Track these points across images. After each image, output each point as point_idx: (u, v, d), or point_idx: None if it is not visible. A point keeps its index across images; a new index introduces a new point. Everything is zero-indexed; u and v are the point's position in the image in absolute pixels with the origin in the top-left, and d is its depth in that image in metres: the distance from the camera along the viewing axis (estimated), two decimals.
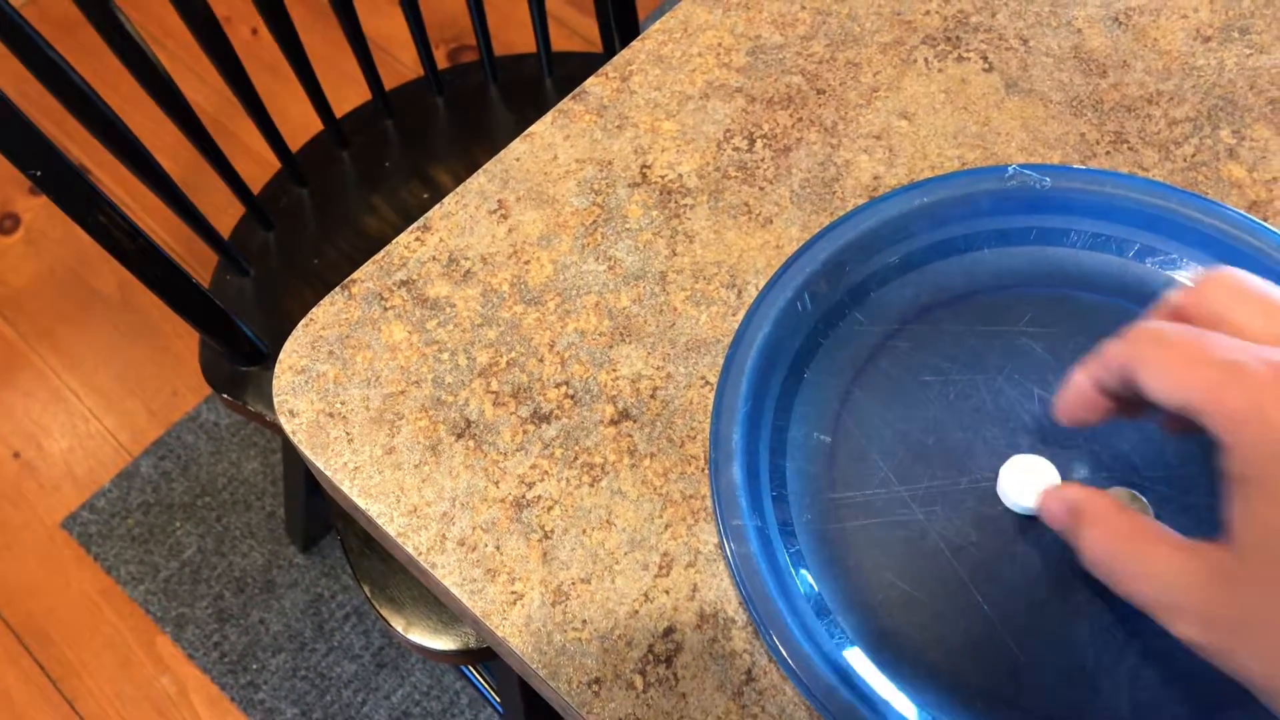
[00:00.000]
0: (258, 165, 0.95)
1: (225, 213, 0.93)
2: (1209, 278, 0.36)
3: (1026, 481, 0.42)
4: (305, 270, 0.89)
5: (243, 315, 0.86)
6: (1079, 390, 0.38)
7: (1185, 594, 0.33)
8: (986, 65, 0.54)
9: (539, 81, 0.95)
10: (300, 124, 0.94)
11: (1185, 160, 0.51)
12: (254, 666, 1.30)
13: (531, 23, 0.91)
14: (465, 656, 0.73)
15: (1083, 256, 0.48)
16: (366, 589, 0.75)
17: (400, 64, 1.61)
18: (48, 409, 1.45)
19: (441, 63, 1.60)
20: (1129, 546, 0.35)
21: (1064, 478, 0.43)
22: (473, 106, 0.96)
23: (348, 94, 0.98)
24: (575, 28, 1.70)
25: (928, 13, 0.55)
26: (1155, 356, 0.33)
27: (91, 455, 1.43)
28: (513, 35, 1.68)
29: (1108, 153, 0.51)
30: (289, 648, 1.31)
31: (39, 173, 0.70)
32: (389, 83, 0.97)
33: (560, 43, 1.67)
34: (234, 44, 0.82)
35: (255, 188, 0.92)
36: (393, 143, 0.96)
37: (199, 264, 0.91)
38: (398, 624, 0.73)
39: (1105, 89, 0.53)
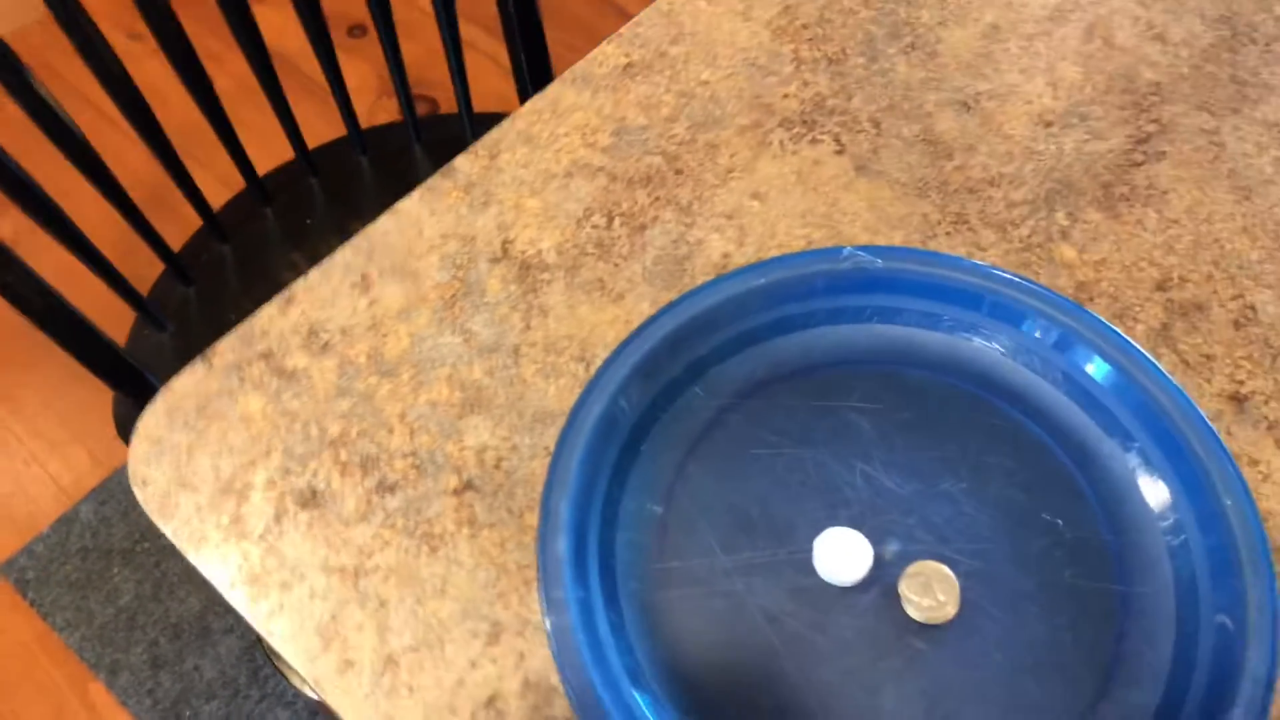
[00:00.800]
0: (186, 226, 0.97)
1: (150, 273, 0.95)
2: None
3: (839, 555, 0.43)
4: (224, 325, 0.91)
5: (160, 370, 0.88)
6: None
7: None
8: (839, 147, 0.56)
9: (462, 141, 0.98)
10: (226, 177, 0.96)
11: (1021, 241, 0.53)
12: (186, 714, 1.30)
13: (450, 79, 0.94)
14: None
15: (913, 334, 0.50)
16: (264, 644, 0.76)
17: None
18: None
19: (387, 113, 1.63)
20: None
21: (878, 550, 0.45)
22: (397, 164, 0.98)
23: (270, 152, 1.01)
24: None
25: (786, 96, 0.58)
26: None
27: (32, 500, 1.43)
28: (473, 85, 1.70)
29: (948, 233, 0.53)
30: (222, 694, 1.31)
31: None
32: (312, 141, 0.99)
33: (486, 83, 1.70)
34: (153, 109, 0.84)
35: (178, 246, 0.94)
36: (317, 200, 0.98)
37: (123, 321, 0.93)
38: (294, 678, 0.74)
39: (949, 171, 0.55)
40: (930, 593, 0.43)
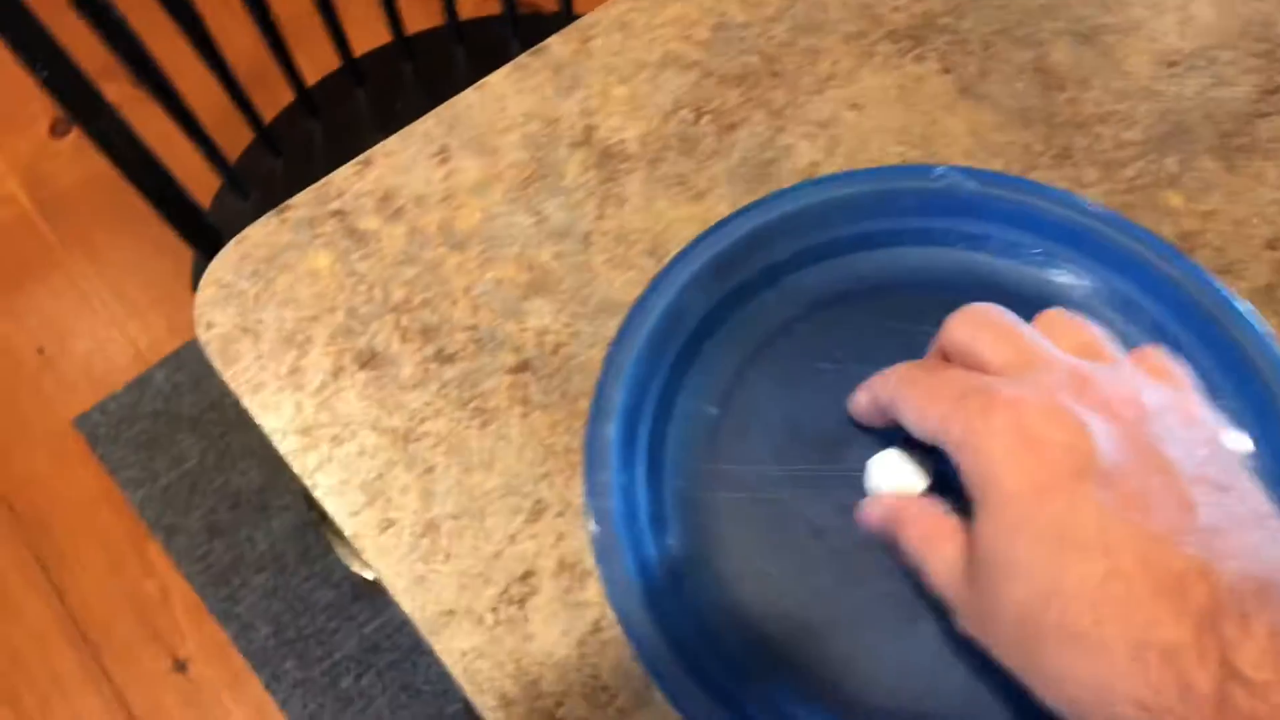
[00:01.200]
0: (280, 105, 0.97)
1: (241, 146, 0.96)
2: (958, 313, 0.39)
3: (892, 477, 0.42)
4: None
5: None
6: (860, 405, 0.42)
7: (949, 590, 0.35)
8: (944, 67, 0.54)
9: None
10: (321, 61, 0.96)
11: (1126, 182, 0.50)
12: (236, 581, 1.34)
13: None
14: None
15: (1000, 265, 0.48)
16: (316, 512, 0.78)
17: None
18: (75, 310, 1.50)
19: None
20: (926, 545, 0.36)
21: (938, 480, 0.43)
22: (492, 59, 0.97)
23: (371, 35, 1.00)
24: None
25: (896, 9, 0.56)
26: (903, 395, 0.38)
27: (110, 359, 1.47)
28: None
29: (1049, 166, 0.51)
30: (272, 568, 1.34)
31: (47, 74, 0.72)
32: (413, 27, 0.98)
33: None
34: None
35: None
36: (408, 86, 0.97)
37: (210, 189, 0.94)
38: (339, 548, 0.75)
39: (1059, 103, 0.52)
40: None
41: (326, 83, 0.98)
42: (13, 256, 1.54)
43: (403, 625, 1.31)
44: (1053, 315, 0.39)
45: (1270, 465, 0.42)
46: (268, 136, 0.92)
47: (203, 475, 1.40)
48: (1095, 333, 0.38)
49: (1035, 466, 0.32)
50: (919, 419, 0.36)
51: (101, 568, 1.35)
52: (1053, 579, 0.30)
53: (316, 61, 0.97)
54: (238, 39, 1.00)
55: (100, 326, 1.49)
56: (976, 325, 0.38)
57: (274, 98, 0.97)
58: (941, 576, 0.36)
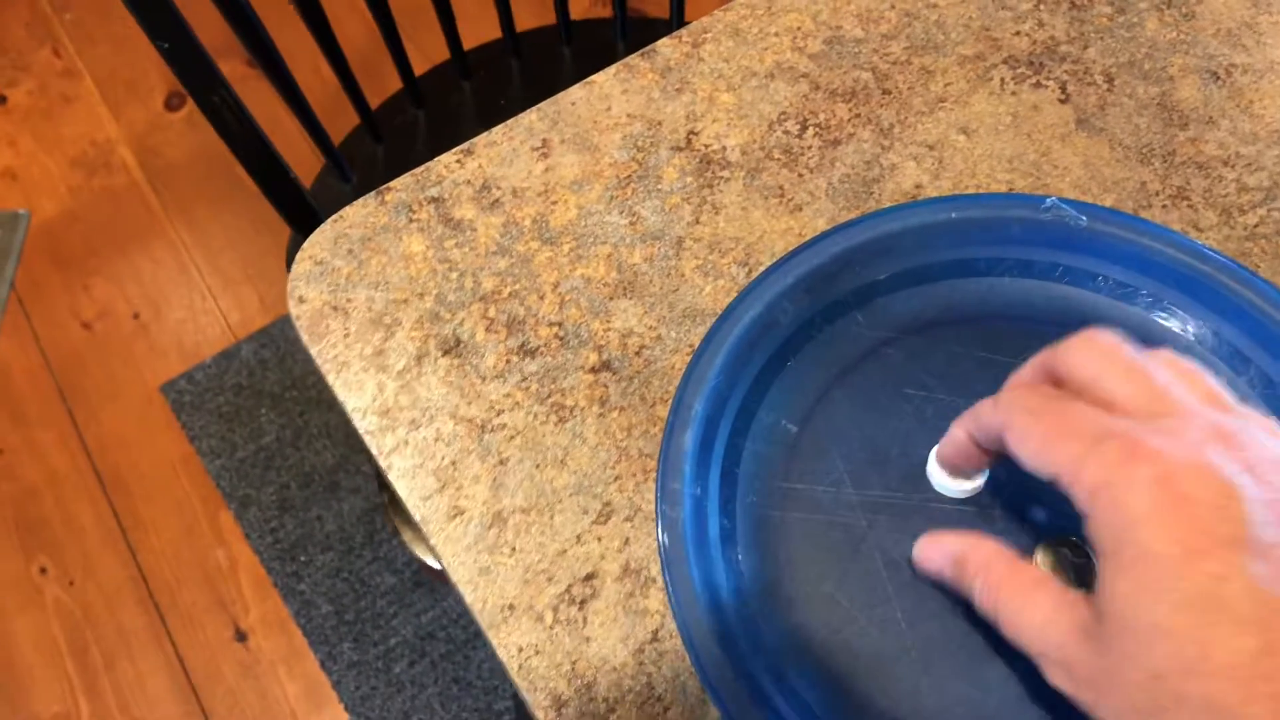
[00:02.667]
0: (387, 93, 0.99)
1: (346, 130, 0.98)
2: (1079, 340, 0.36)
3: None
4: None
5: None
6: (956, 442, 0.39)
7: (1054, 645, 0.33)
8: (1063, 96, 0.52)
9: None
10: (430, 52, 0.97)
11: (1246, 229, 0.48)
12: (302, 558, 1.36)
13: None
14: None
15: (1104, 303, 0.46)
16: (387, 496, 0.78)
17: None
18: (172, 279, 1.54)
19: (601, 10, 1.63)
20: (1009, 594, 0.35)
21: (1021, 517, 0.42)
22: (598, 60, 0.98)
23: (482, 30, 1.01)
24: None
25: (1018, 34, 0.54)
26: (1023, 425, 0.35)
27: (200, 330, 1.51)
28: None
29: (1164, 206, 0.49)
30: (338, 548, 1.36)
31: (167, 45, 0.74)
32: (522, 25, 0.99)
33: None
34: None
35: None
36: (515, 82, 0.98)
37: (312, 170, 0.96)
38: (406, 535, 0.75)
39: (1181, 141, 0.50)
40: (1061, 573, 0.40)
41: (434, 73, 0.99)
42: (120, 222, 1.59)
43: (459, 618, 1.32)
44: (1169, 358, 0.36)
45: None
46: (372, 122, 0.93)
47: (279, 451, 1.43)
48: (1215, 382, 0.36)
49: (1183, 527, 0.29)
50: (1040, 454, 0.34)
51: (175, 532, 1.38)
52: (1200, 650, 0.28)
53: (426, 52, 0.98)
54: (350, 25, 1.02)
55: (195, 297, 1.53)
56: (1104, 358, 0.35)
57: (382, 85, 0.99)
58: (1036, 629, 0.34)
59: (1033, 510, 0.42)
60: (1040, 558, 0.41)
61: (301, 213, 0.84)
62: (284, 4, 0.80)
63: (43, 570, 1.35)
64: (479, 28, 1.03)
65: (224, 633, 1.32)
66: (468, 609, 0.42)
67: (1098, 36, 0.54)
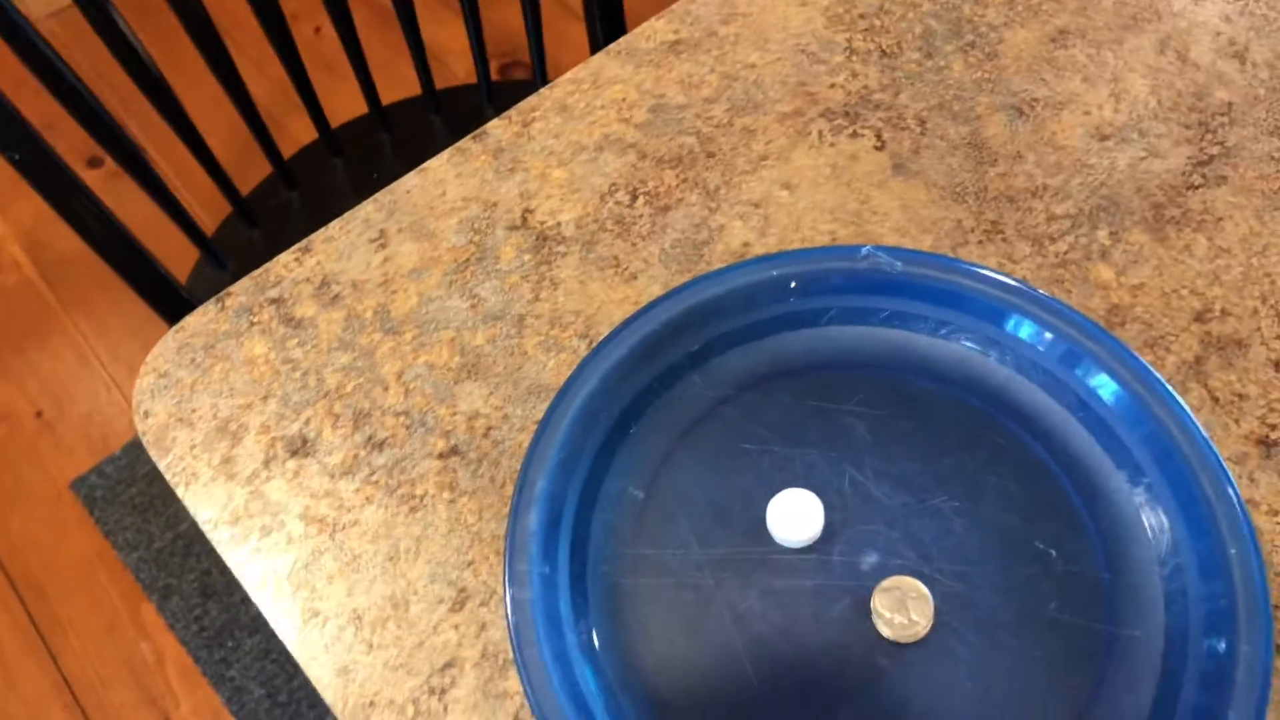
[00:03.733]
0: (261, 177, 0.99)
1: (221, 217, 0.98)
2: None
3: (792, 514, 0.43)
4: None
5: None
6: None
7: None
8: (879, 143, 0.54)
9: None
10: (298, 134, 0.98)
11: (1057, 256, 0.51)
12: (229, 644, 1.34)
13: (528, 47, 0.93)
14: None
15: (925, 343, 0.48)
16: None
17: (450, 72, 1.66)
18: (73, 373, 1.52)
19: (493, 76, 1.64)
20: None
21: (857, 560, 0.43)
22: (468, 127, 0.99)
23: (348, 106, 1.02)
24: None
25: (833, 86, 0.56)
26: None
27: (107, 422, 1.49)
28: (563, 56, 1.71)
29: (980, 241, 0.51)
30: (265, 630, 1.34)
31: (17, 156, 0.74)
32: (387, 99, 1.00)
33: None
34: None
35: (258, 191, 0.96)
36: (386, 155, 0.99)
37: (190, 261, 0.95)
38: None
39: (992, 177, 0.53)
40: (903, 610, 0.42)
41: (304, 153, 0.99)
42: (14, 320, 1.56)
43: None
44: None
45: (1189, 542, 0.42)
46: (244, 208, 0.93)
47: (197, 537, 1.41)
48: None
49: None
50: None
51: (96, 631, 1.35)
52: None
53: (293, 135, 0.99)
54: (218, 112, 1.02)
55: (99, 389, 1.51)
56: None
57: (253, 171, 0.99)
58: None
59: (866, 554, 0.43)
60: (879, 600, 0.42)
61: (178, 308, 0.84)
62: (143, 100, 0.80)
63: None
64: (346, 105, 1.04)
65: None
66: (330, 707, 0.43)
67: (909, 82, 0.56)
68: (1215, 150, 0.53)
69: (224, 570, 1.37)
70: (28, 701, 1.30)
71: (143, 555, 1.40)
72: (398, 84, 1.46)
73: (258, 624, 1.34)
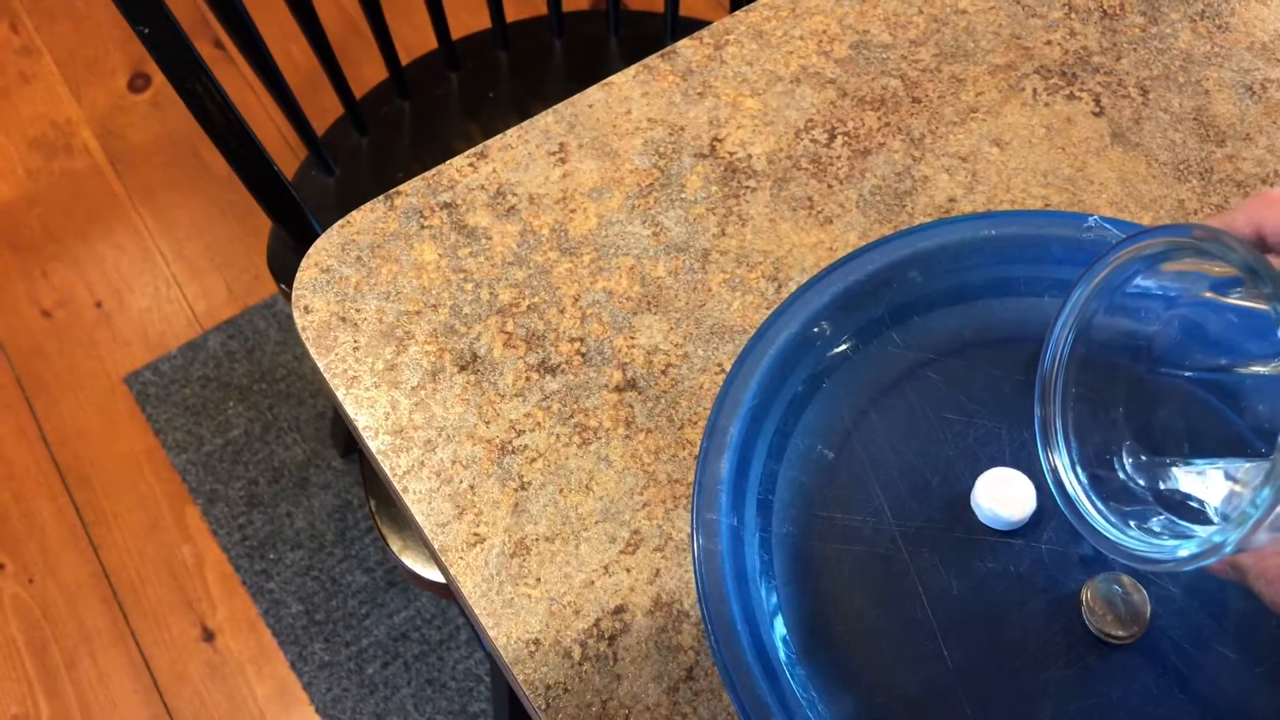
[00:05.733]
0: (372, 82, 0.95)
1: (329, 119, 0.94)
2: None
3: (1001, 492, 0.40)
4: (389, 181, 0.89)
5: (319, 212, 0.87)
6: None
7: None
8: (1097, 109, 0.51)
9: (659, 43, 0.94)
10: (418, 43, 0.94)
11: None
12: (271, 556, 1.32)
13: None
14: (450, 592, 0.73)
15: (1151, 329, 0.45)
16: (373, 503, 0.75)
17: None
18: (136, 267, 1.50)
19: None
20: None
21: (1068, 550, 0.40)
22: (589, 55, 0.95)
23: (468, 20, 0.98)
24: None
25: (1049, 43, 0.52)
26: None
27: (166, 320, 1.46)
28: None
29: None
30: (308, 546, 1.33)
31: (147, 30, 0.71)
32: (511, 16, 0.96)
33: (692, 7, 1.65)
34: None
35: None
36: (503, 75, 0.95)
37: (293, 160, 0.92)
38: (394, 544, 0.73)
39: (1219, 158, 0.49)
40: (1115, 607, 0.39)
41: (420, 63, 0.95)
42: (81, 206, 1.53)
43: (433, 618, 1.29)
44: None
45: None
46: (356, 112, 0.90)
47: (247, 445, 1.39)
48: None
49: None
50: None
51: (139, 527, 1.34)
52: None
53: (413, 40, 0.95)
54: (327, 10, 0.99)
55: (160, 285, 1.48)
56: None
57: (360, 76, 0.95)
58: None
59: (1080, 544, 0.40)
60: (1088, 593, 0.39)
61: (284, 206, 0.81)
62: None
63: (0, 566, 1.31)
64: (467, 18, 1.00)
65: (190, 632, 1.28)
66: (488, 640, 0.40)
67: (1131, 47, 0.52)
68: None
69: (272, 481, 1.36)
70: (66, 589, 1.29)
71: (191, 458, 1.38)
72: (523, 1, 1.42)
73: (301, 538, 1.33)
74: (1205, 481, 0.38)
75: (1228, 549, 0.30)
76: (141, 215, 1.53)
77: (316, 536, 1.33)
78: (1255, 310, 0.34)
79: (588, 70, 0.93)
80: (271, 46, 0.83)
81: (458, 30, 0.95)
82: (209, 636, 1.27)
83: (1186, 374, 0.39)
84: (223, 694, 1.25)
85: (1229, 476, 0.36)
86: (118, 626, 1.28)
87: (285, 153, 0.88)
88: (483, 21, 0.94)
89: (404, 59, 0.95)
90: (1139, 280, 0.36)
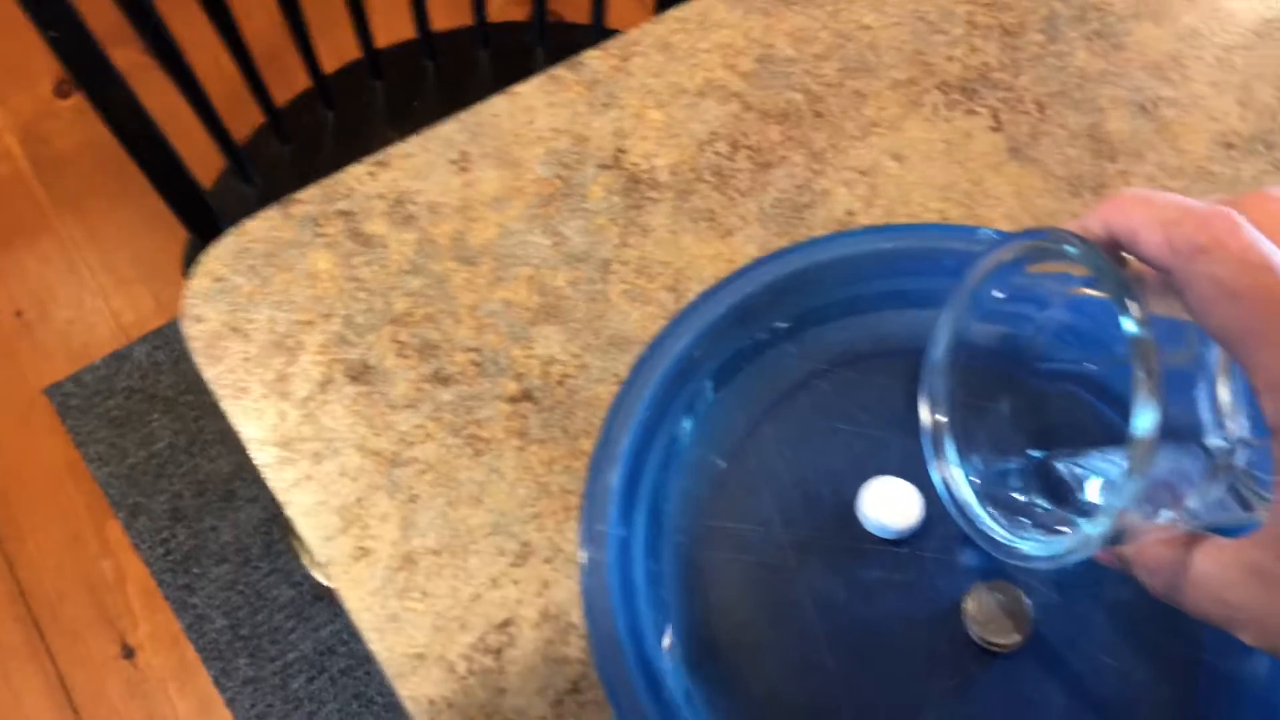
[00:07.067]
0: (295, 90, 0.94)
1: (250, 129, 0.93)
2: (1257, 194, 0.30)
3: (887, 501, 0.40)
4: None
5: (239, 221, 0.85)
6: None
7: (1231, 605, 0.30)
8: (995, 124, 0.51)
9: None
10: (351, 51, 0.93)
11: None
12: (195, 570, 1.30)
13: None
14: None
15: (1038, 340, 0.45)
16: (284, 518, 0.74)
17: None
18: (60, 277, 1.46)
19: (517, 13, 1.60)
20: (1169, 569, 0.31)
21: (953, 559, 0.40)
22: (516, 65, 0.95)
23: (398, 28, 0.98)
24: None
25: (951, 58, 0.53)
26: (1202, 272, 0.27)
27: (90, 330, 1.43)
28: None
29: None
30: (234, 560, 1.30)
31: (56, 34, 0.69)
32: (442, 24, 0.96)
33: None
34: None
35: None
36: (429, 84, 0.95)
37: (213, 169, 0.90)
38: (305, 558, 0.72)
39: (1111, 174, 0.50)
40: (997, 616, 0.39)
41: (344, 72, 0.95)
42: (3, 214, 1.50)
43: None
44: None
45: None
46: (278, 121, 0.89)
47: (172, 458, 1.36)
48: None
49: None
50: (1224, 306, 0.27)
51: (57, 543, 1.30)
52: None
53: (337, 49, 0.94)
54: (257, 16, 0.98)
55: (85, 296, 1.45)
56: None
57: (289, 82, 0.94)
58: (1208, 592, 0.30)
59: (963, 554, 0.41)
60: (971, 601, 0.40)
61: (200, 216, 0.80)
62: None
63: None
64: (393, 24, 0.99)
65: (109, 649, 1.25)
66: (376, 656, 0.40)
67: (1030, 64, 0.53)
68: None
69: (197, 494, 1.33)
70: None
71: (114, 470, 1.35)
72: (450, 10, 1.41)
73: (226, 552, 1.30)
74: (1089, 476, 0.38)
75: (1098, 542, 0.31)
76: (66, 224, 1.50)
77: (242, 550, 1.31)
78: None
79: (514, 80, 0.93)
80: (201, 54, 0.81)
81: (385, 39, 0.95)
82: (129, 653, 1.25)
83: (1064, 371, 0.40)
84: (143, 712, 1.22)
85: (1105, 468, 0.37)
86: (32, 644, 1.24)
87: (217, 162, 0.87)
88: (409, 31, 0.94)
89: (335, 66, 0.94)
90: (1010, 284, 0.36)
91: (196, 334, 0.44)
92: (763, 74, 0.52)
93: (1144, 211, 0.29)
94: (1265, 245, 0.26)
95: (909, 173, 0.50)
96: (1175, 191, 0.49)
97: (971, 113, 0.52)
